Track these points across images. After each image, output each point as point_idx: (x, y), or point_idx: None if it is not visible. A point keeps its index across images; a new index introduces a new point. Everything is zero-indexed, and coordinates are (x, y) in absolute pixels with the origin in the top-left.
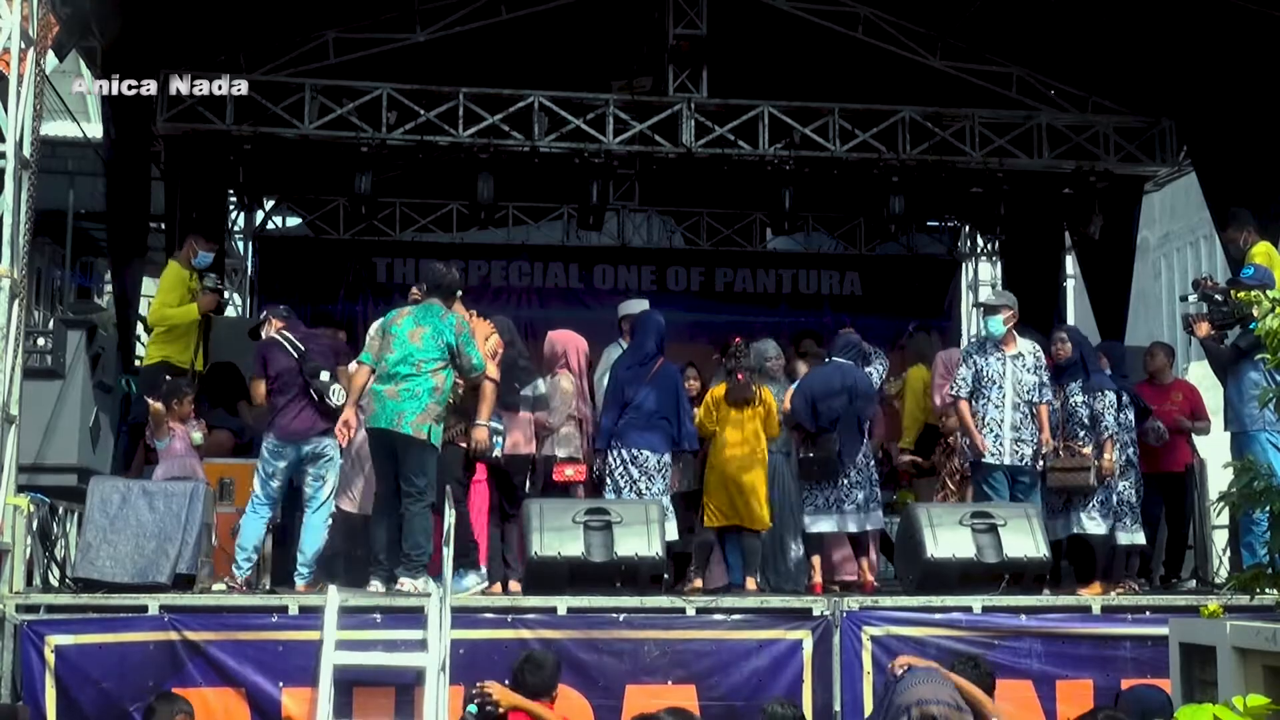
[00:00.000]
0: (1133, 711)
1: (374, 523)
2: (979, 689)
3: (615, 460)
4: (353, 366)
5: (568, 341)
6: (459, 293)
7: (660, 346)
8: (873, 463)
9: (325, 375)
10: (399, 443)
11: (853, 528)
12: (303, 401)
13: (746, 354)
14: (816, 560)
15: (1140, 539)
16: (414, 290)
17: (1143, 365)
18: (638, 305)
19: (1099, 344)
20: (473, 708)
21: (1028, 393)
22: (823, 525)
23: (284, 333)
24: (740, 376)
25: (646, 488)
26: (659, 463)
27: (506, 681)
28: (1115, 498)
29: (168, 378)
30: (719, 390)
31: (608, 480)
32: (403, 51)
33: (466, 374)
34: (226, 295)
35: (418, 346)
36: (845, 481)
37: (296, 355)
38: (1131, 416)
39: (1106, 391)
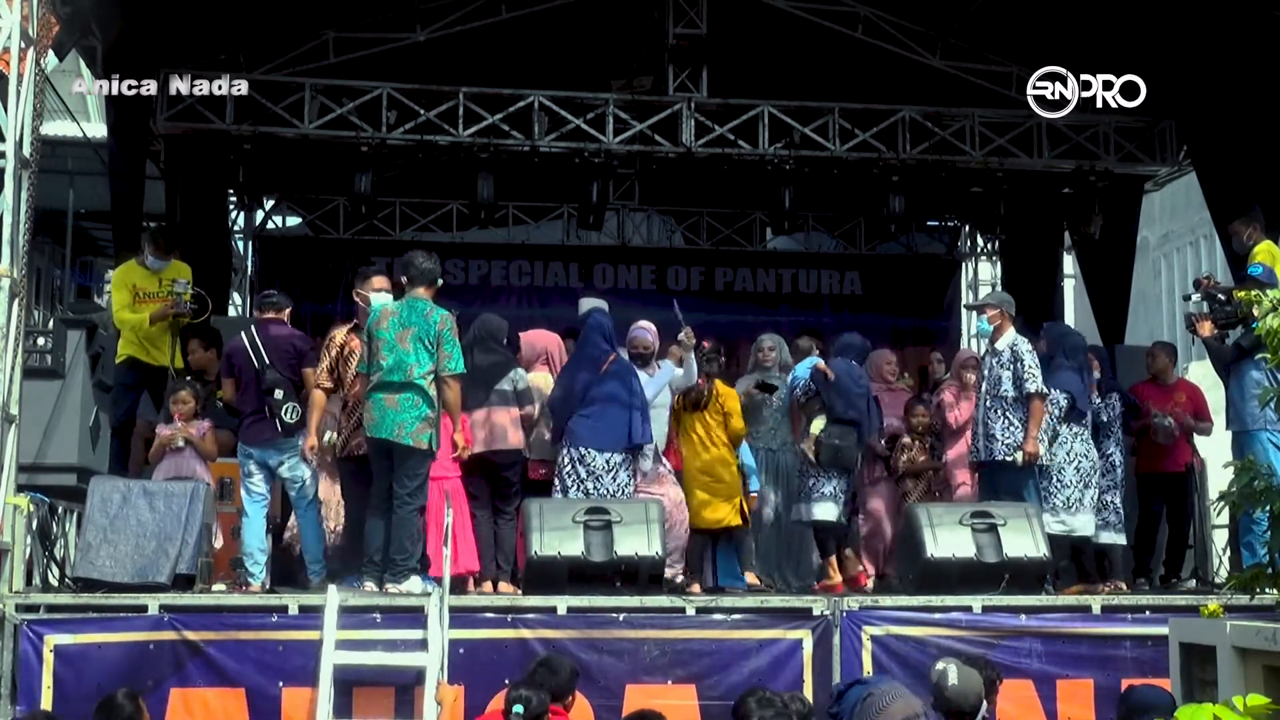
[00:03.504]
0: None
1: (369, 523)
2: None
3: (564, 460)
4: (321, 378)
5: (548, 341)
6: (439, 283)
7: (611, 342)
8: None
9: (279, 393)
10: (397, 451)
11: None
12: (261, 413)
13: (714, 358)
14: (834, 559)
15: (1120, 539)
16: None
17: (1145, 366)
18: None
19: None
20: (519, 708)
21: (995, 388)
22: (829, 513)
23: (253, 334)
24: (700, 381)
25: (594, 488)
26: (607, 463)
27: (507, 682)
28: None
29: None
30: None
31: (556, 480)
32: (403, 51)
33: (440, 370)
34: (200, 296)
35: (407, 351)
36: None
37: (257, 364)
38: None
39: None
